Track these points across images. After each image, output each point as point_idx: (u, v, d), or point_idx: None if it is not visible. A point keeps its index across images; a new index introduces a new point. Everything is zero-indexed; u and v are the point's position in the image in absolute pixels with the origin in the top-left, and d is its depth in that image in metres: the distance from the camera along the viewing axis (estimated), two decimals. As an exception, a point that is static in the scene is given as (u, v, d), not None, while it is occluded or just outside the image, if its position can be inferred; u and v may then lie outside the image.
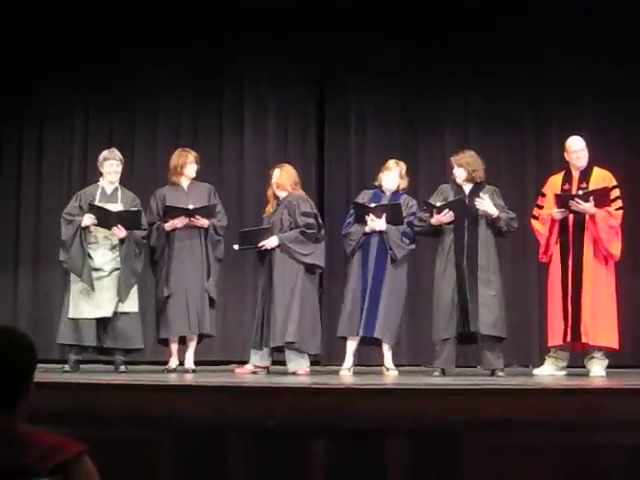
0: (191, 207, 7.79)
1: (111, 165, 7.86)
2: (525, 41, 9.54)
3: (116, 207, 7.75)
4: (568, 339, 7.40)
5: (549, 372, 7.49)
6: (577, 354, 7.64)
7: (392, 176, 7.87)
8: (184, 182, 7.99)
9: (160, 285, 7.82)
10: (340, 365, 7.72)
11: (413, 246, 7.81)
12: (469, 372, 7.58)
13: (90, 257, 7.61)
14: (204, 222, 7.81)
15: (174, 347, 7.87)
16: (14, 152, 9.99)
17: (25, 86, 9.92)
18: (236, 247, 7.90)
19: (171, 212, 7.80)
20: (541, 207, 7.66)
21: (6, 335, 2.51)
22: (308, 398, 5.45)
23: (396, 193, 7.88)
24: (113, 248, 7.70)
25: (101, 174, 7.91)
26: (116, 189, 7.87)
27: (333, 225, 8.79)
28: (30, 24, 9.68)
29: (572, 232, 7.46)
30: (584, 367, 7.50)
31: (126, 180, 9.73)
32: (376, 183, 7.96)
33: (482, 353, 7.50)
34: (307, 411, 5.25)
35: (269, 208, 8.02)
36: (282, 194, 7.94)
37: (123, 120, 10.01)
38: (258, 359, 7.77)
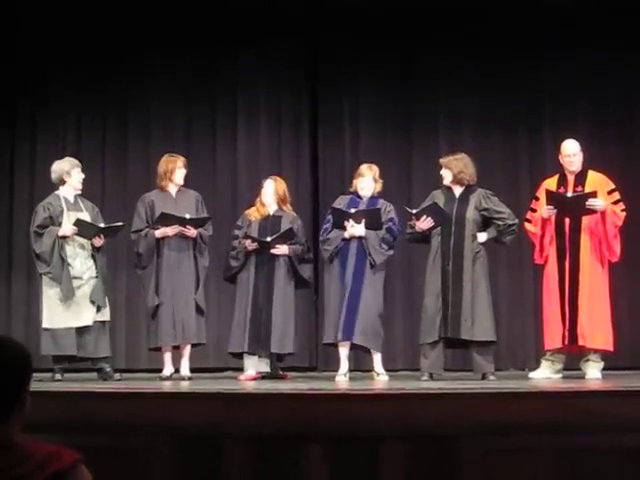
0: (187, 217, 7.80)
1: (79, 173, 7.88)
2: (520, 44, 9.54)
3: (84, 215, 7.78)
4: (566, 342, 7.41)
5: (545, 375, 7.50)
6: (573, 356, 7.64)
7: (367, 181, 7.85)
8: (172, 189, 8.01)
9: (150, 294, 7.82)
10: (336, 371, 7.72)
11: (392, 252, 7.82)
12: (462, 376, 7.57)
13: (70, 265, 7.61)
14: (194, 232, 7.83)
15: (167, 355, 7.88)
16: (7, 159, 9.98)
17: (17, 93, 9.92)
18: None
19: (166, 220, 7.79)
20: (534, 210, 7.67)
21: (0, 344, 2.51)
22: (305, 404, 5.44)
23: (373, 198, 7.87)
24: (90, 257, 7.74)
25: (62, 183, 7.85)
26: (76, 197, 7.88)
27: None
28: (22, 31, 9.67)
29: (568, 235, 7.47)
30: (580, 370, 7.51)
31: (119, 189, 9.80)
32: (351, 189, 7.95)
33: (472, 357, 7.49)
34: (304, 417, 5.24)
35: (257, 213, 8.03)
36: (276, 207, 8.05)
37: (116, 129, 10.01)
38: (259, 365, 7.82)
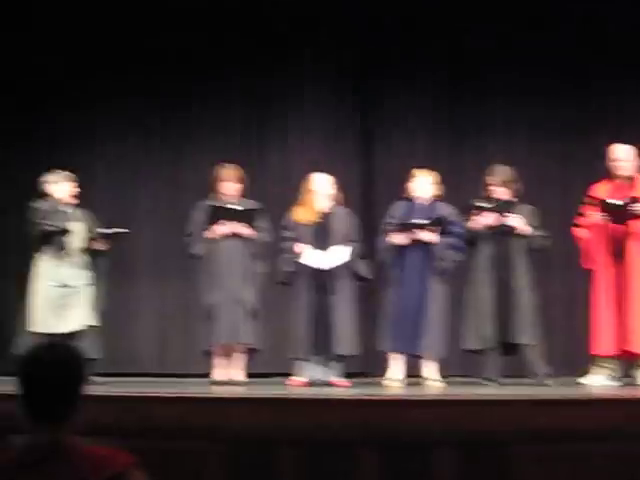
0: (238, 208, 7.83)
1: (69, 186, 7.89)
2: (572, 47, 9.46)
3: (79, 225, 7.85)
4: (615, 348, 7.35)
5: (598, 381, 7.42)
6: (625, 362, 7.56)
7: (422, 183, 7.81)
8: (229, 196, 8.02)
9: (206, 295, 7.86)
10: (389, 377, 7.69)
11: (460, 256, 7.75)
12: (516, 382, 7.53)
13: (59, 272, 7.69)
14: (247, 231, 7.85)
15: (219, 359, 7.89)
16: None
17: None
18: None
19: (216, 213, 7.83)
20: (584, 215, 7.64)
21: (56, 349, 2.55)
22: (357, 410, 5.44)
23: (431, 202, 7.85)
24: (82, 266, 7.80)
25: (46, 194, 7.89)
26: (72, 207, 7.92)
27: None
28: (69, 28, 9.77)
29: (617, 239, 7.42)
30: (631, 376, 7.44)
31: (171, 196, 9.86)
32: (406, 194, 7.90)
33: (527, 363, 7.50)
34: (356, 423, 5.24)
35: (309, 216, 7.93)
36: (329, 204, 7.94)
37: (167, 136, 10.07)
38: (313, 370, 7.79)
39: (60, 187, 7.88)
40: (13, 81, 9.77)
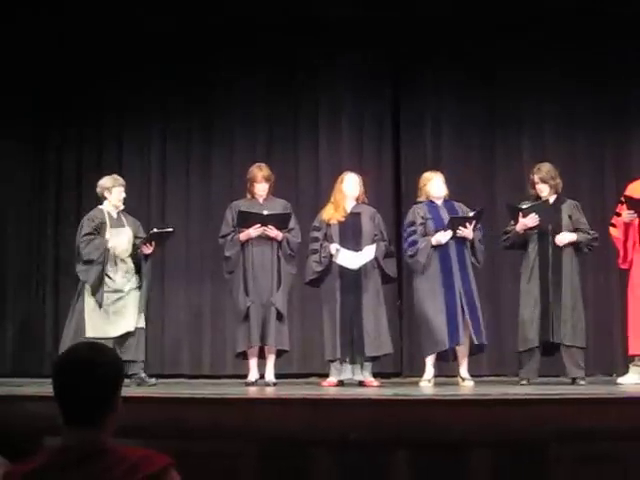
0: (265, 213, 7.85)
1: (121, 192, 7.93)
2: (606, 46, 9.41)
3: (125, 230, 7.89)
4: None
5: (634, 381, 7.38)
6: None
7: (438, 183, 7.83)
8: (259, 196, 8.04)
9: (240, 297, 7.86)
10: (420, 376, 7.69)
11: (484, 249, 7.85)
12: (550, 381, 7.51)
13: (110, 278, 7.73)
14: (277, 233, 7.85)
15: (253, 360, 7.90)
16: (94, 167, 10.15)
17: (102, 101, 10.11)
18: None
19: (245, 218, 7.84)
20: (619, 215, 7.59)
21: (93, 351, 2.56)
22: (390, 410, 5.43)
23: (447, 201, 7.84)
24: (130, 270, 7.84)
25: (103, 199, 7.94)
26: (118, 213, 7.96)
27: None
28: (98, 38, 9.81)
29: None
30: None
31: (203, 196, 9.89)
32: (420, 199, 7.88)
33: (563, 362, 7.49)
34: (389, 423, 5.23)
35: (337, 213, 7.92)
36: (354, 202, 7.94)
37: (200, 136, 10.10)
38: (344, 371, 7.78)
39: (114, 192, 7.93)
40: (36, 83, 9.89)
